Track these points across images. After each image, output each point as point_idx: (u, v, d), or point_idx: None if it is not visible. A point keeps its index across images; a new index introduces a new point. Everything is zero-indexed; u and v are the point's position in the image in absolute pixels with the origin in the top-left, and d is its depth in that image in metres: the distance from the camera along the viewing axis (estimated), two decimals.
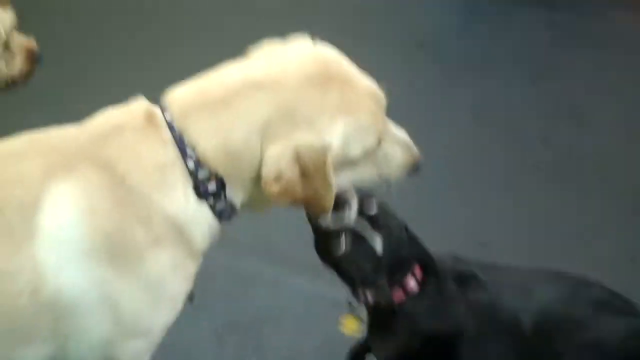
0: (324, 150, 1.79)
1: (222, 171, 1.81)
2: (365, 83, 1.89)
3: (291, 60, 1.86)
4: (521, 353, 2.17)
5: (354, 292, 2.18)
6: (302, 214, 2.00)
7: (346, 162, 1.88)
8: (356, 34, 4.44)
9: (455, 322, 2.16)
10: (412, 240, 2.16)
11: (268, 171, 1.76)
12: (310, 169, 1.78)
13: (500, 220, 3.38)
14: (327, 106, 1.81)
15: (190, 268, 1.91)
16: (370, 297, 2.12)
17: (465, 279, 2.19)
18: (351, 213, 2.06)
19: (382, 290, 2.08)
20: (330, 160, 1.80)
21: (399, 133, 1.98)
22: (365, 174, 1.95)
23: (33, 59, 2.67)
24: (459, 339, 2.16)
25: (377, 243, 2.06)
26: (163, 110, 1.84)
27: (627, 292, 2.24)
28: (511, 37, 4.86)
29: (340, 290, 2.28)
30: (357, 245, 2.05)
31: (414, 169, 2.00)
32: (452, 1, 5.31)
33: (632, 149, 3.84)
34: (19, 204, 1.74)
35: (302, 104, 1.79)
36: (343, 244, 2.05)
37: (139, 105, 1.87)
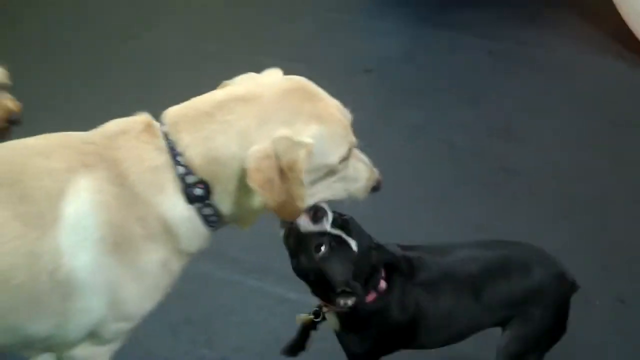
0: (298, 146, 1.96)
1: (207, 177, 2.02)
2: (334, 101, 2.12)
3: (268, 81, 2.11)
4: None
5: (329, 299, 2.26)
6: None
7: (322, 170, 2.07)
8: (307, 59, 4.75)
9: (417, 307, 2.38)
10: (378, 245, 2.32)
11: (250, 162, 1.95)
12: (286, 164, 1.95)
13: (435, 227, 3.61)
14: (302, 113, 2.02)
15: (175, 265, 2.11)
16: (347, 302, 2.20)
17: (415, 263, 2.41)
18: (328, 218, 2.18)
19: (360, 295, 2.20)
20: (304, 156, 1.97)
21: (361, 154, 2.19)
22: (336, 188, 2.15)
23: (10, 120, 2.68)
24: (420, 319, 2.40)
25: (354, 246, 2.20)
26: (161, 123, 2.08)
27: None
28: (454, 63, 5.16)
29: (284, 287, 2.48)
30: (336, 250, 2.18)
31: (377, 186, 2.23)
32: (399, 30, 5.60)
33: (558, 163, 4.12)
34: (47, 193, 1.97)
35: (279, 111, 2.01)
36: (325, 246, 2.16)
37: (141, 117, 2.12)
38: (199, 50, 5.32)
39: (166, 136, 2.05)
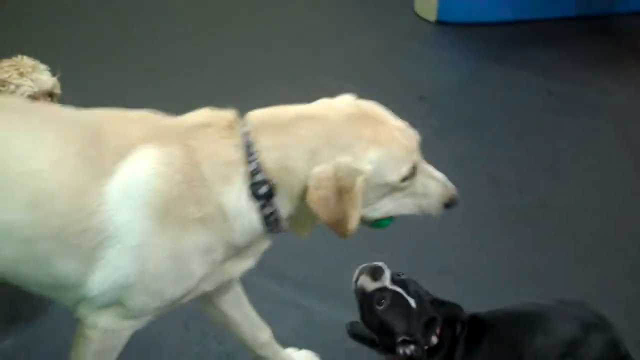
0: (357, 172, 2.12)
1: (275, 179, 2.16)
2: (397, 123, 2.24)
3: (337, 104, 2.27)
4: None
5: (393, 350, 2.43)
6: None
7: (385, 188, 2.21)
8: (364, 80, 4.86)
9: None
10: (437, 301, 2.51)
11: (312, 180, 2.13)
12: (344, 187, 2.11)
13: (469, 255, 3.66)
14: (362, 138, 2.16)
15: (218, 257, 2.21)
16: (407, 351, 2.40)
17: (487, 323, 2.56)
18: (387, 276, 2.45)
19: (420, 344, 2.40)
20: (361, 182, 2.12)
21: (435, 171, 2.32)
22: (405, 203, 2.28)
23: None
24: None
25: (412, 301, 2.42)
26: (242, 123, 2.23)
27: None
28: (508, 99, 5.19)
29: (299, 294, 2.55)
30: (397, 303, 2.42)
31: (451, 202, 2.34)
32: (459, 61, 5.68)
33: (598, 203, 4.12)
34: (116, 149, 2.12)
35: (342, 135, 2.16)
36: (386, 300, 2.41)
37: (227, 113, 2.27)
38: (258, 61, 5.44)
39: (246, 136, 2.19)
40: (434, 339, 2.46)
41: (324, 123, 2.19)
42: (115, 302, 2.19)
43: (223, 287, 2.53)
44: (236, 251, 2.25)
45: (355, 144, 2.16)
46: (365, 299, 2.44)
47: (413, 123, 2.30)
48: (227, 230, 2.17)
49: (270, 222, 2.20)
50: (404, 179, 2.22)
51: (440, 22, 6.19)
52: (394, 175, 2.20)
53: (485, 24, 6.15)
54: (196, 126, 2.21)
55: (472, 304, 2.68)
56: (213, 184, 2.14)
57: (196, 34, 5.98)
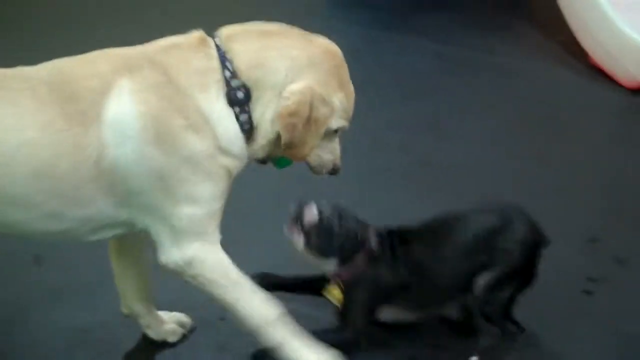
0: (328, 106, 2.30)
1: (250, 83, 2.26)
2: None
3: (319, 38, 2.43)
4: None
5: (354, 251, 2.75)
6: None
7: (327, 131, 2.38)
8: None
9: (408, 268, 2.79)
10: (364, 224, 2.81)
11: (286, 103, 2.27)
12: (314, 116, 2.26)
13: (361, 214, 3.64)
14: (337, 78, 2.36)
15: (220, 160, 2.29)
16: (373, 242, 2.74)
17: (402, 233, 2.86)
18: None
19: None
20: (328, 117, 2.32)
21: None
22: (320, 152, 2.45)
23: None
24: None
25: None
26: (214, 37, 2.33)
27: None
28: (398, 64, 5.28)
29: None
30: (343, 217, 2.76)
31: (335, 170, 2.57)
32: (349, 30, 5.66)
33: (480, 160, 4.19)
34: (92, 93, 2.21)
35: (322, 66, 2.32)
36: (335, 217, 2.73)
37: (196, 32, 2.36)
38: None
39: (218, 46, 2.30)
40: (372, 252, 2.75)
41: (311, 45, 2.35)
42: (169, 230, 2.29)
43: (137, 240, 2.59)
44: (228, 156, 2.30)
45: (332, 81, 2.33)
46: (322, 224, 2.67)
47: None
48: (213, 134, 2.26)
49: (246, 129, 2.29)
50: (336, 131, 2.41)
51: None
52: (341, 122, 2.39)
53: None
54: (164, 47, 2.31)
55: None
56: (191, 93, 2.24)
57: None
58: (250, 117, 2.29)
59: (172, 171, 2.24)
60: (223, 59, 2.27)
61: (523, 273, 2.82)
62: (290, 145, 2.31)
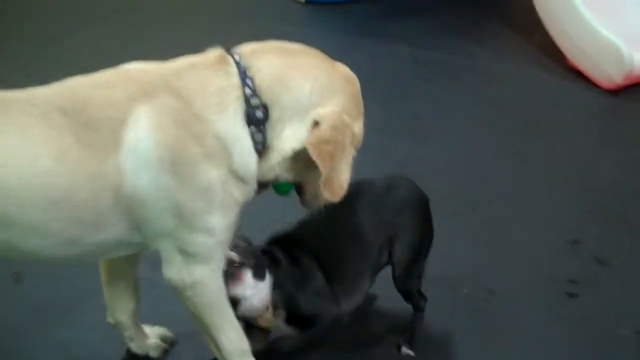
0: (354, 135, 2.28)
1: (270, 102, 2.21)
2: None
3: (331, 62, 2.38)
4: None
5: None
6: None
7: None
8: None
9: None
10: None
11: (321, 129, 2.20)
12: (343, 145, 2.22)
13: None
14: (359, 108, 2.35)
15: (233, 188, 2.25)
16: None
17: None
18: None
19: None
20: (355, 145, 2.31)
21: None
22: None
23: None
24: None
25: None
26: (233, 54, 2.27)
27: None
28: (373, 69, 5.23)
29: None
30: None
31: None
32: (326, 37, 5.68)
33: (459, 163, 4.19)
34: (109, 122, 2.16)
35: (344, 93, 2.28)
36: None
37: (214, 51, 2.30)
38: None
39: (239, 62, 2.24)
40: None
41: (328, 66, 2.31)
42: (179, 253, 2.28)
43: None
44: (242, 180, 2.27)
45: (352, 108, 2.30)
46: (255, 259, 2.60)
47: None
48: (228, 160, 2.21)
49: (259, 150, 2.24)
50: None
51: (309, 3, 6.25)
52: (354, 152, 2.36)
53: (352, 1, 6.22)
54: (181, 69, 2.25)
55: None
56: (208, 117, 2.18)
57: None
58: (264, 137, 2.25)
59: (188, 200, 2.21)
60: (244, 75, 2.22)
61: (422, 235, 2.83)
62: (329, 177, 2.23)
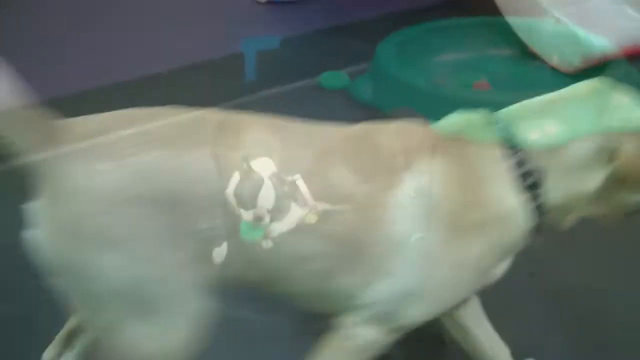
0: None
1: (544, 165, 2.11)
2: None
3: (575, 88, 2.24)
4: None
5: None
6: None
7: None
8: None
9: None
10: None
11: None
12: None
13: None
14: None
15: (491, 260, 2.17)
16: None
17: None
18: None
19: None
20: None
21: None
22: None
23: None
24: None
25: None
26: (495, 119, 2.18)
27: None
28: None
29: None
30: None
31: None
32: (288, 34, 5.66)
33: None
34: (394, 164, 2.09)
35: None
36: None
37: (477, 115, 2.22)
38: None
39: (504, 129, 2.14)
40: None
41: (589, 101, 2.17)
42: (389, 314, 2.13)
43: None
44: (504, 254, 2.21)
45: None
46: None
47: None
48: (500, 231, 2.13)
49: (535, 216, 2.15)
50: None
51: (270, 2, 6.31)
52: None
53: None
54: (452, 133, 2.18)
55: None
56: (488, 186, 2.10)
57: None
58: (543, 202, 2.15)
59: (444, 269, 2.11)
60: (511, 143, 2.13)
61: None
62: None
